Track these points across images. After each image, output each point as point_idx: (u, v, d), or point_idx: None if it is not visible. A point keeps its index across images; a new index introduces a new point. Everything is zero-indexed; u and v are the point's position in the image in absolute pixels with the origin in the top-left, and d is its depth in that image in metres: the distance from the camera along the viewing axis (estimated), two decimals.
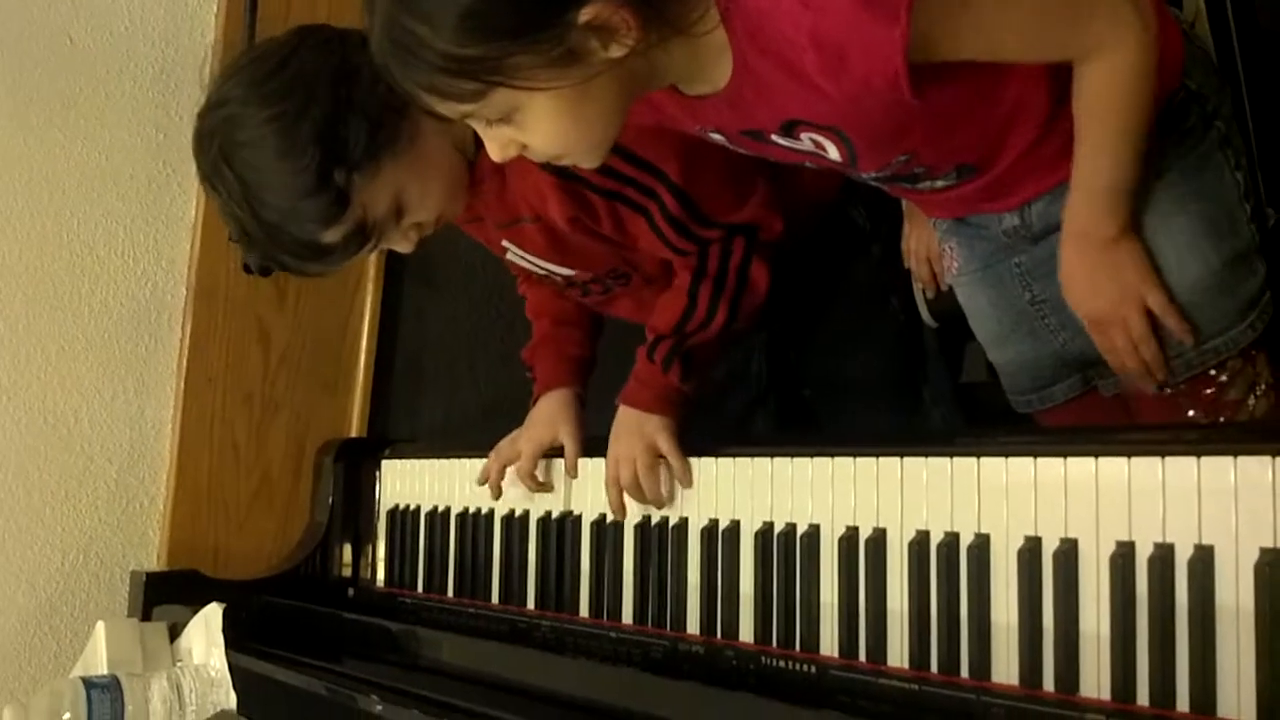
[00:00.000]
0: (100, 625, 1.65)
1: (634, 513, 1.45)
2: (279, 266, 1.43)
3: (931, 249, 1.57)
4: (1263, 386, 1.24)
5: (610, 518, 1.47)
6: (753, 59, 1.08)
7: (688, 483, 1.38)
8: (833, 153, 1.18)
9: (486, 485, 1.61)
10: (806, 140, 1.17)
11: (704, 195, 1.37)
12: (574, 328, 1.65)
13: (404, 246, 1.46)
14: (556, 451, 1.54)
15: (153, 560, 1.99)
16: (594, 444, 1.52)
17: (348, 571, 1.89)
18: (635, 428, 1.41)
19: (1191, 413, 1.23)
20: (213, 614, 1.60)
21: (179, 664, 1.61)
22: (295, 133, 1.30)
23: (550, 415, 1.56)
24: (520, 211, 1.46)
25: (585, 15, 1.00)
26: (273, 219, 1.34)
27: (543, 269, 1.56)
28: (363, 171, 1.33)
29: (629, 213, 1.40)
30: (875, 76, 1.03)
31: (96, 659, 1.63)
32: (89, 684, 1.50)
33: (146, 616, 1.73)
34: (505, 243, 1.55)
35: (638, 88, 1.13)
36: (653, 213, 1.38)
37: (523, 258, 1.55)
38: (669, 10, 1.04)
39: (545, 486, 1.56)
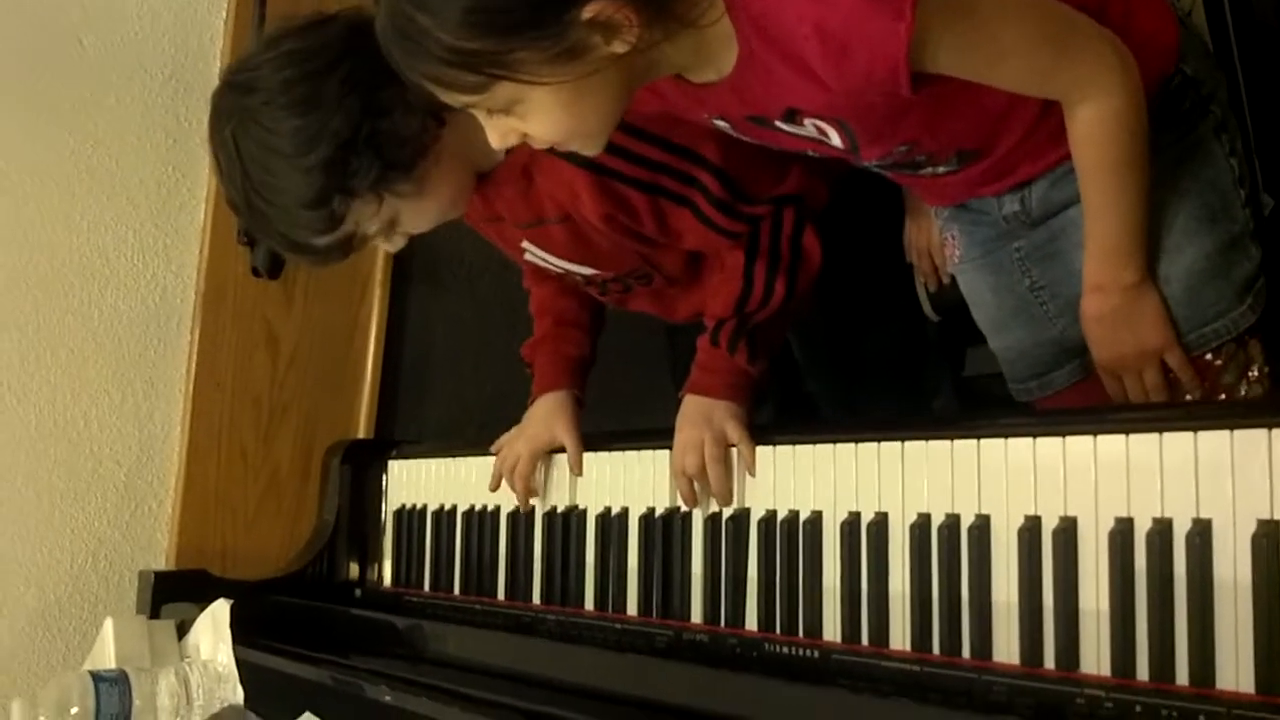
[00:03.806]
0: (109, 622, 1.66)
1: (639, 505, 1.46)
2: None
3: (933, 242, 1.58)
4: (1256, 371, 1.25)
5: (615, 511, 1.48)
6: (757, 49, 1.09)
7: (755, 472, 1.34)
8: (835, 139, 1.19)
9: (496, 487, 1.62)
10: (810, 126, 1.18)
11: (744, 172, 1.36)
12: (575, 328, 1.65)
13: (390, 248, 1.47)
14: (557, 451, 1.56)
15: (160, 562, 2.00)
16: (594, 440, 1.54)
17: (355, 572, 1.90)
18: (703, 415, 1.37)
19: (1189, 397, 1.23)
20: (220, 610, 1.60)
21: (187, 659, 1.61)
22: (308, 149, 1.30)
23: (547, 416, 1.57)
24: (545, 212, 1.46)
25: (588, 12, 1.01)
26: (266, 210, 1.36)
27: (562, 268, 1.56)
28: (363, 199, 1.35)
29: (672, 207, 1.39)
30: (877, 70, 1.04)
31: (105, 655, 1.63)
32: (97, 678, 1.50)
33: (155, 615, 1.73)
34: (525, 243, 1.55)
35: (641, 78, 1.14)
36: (697, 201, 1.37)
37: (542, 258, 1.55)
38: (672, 5, 1.06)
39: (533, 492, 1.58)
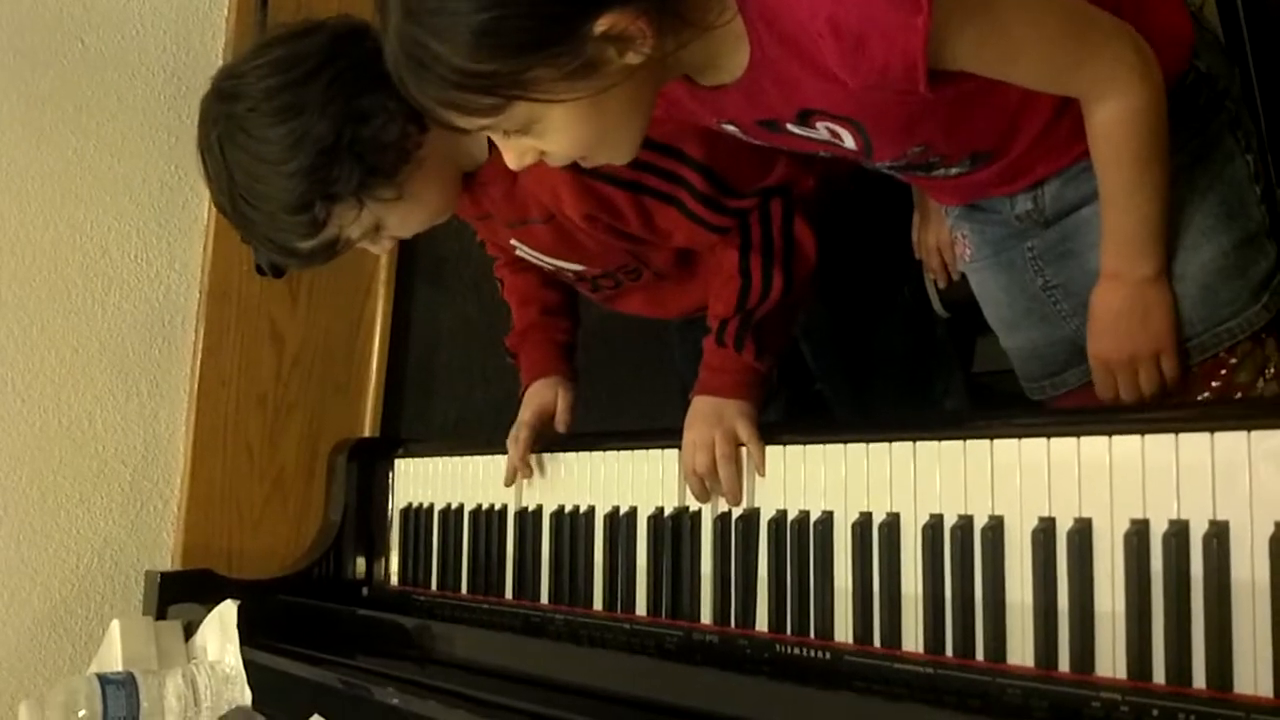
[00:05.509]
0: (115, 623, 1.65)
1: (648, 505, 1.45)
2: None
3: (942, 239, 1.57)
4: (1272, 370, 1.23)
5: (624, 511, 1.47)
6: (770, 47, 1.07)
7: (764, 471, 1.33)
8: (848, 141, 1.18)
9: (510, 477, 1.62)
10: (822, 129, 1.17)
11: (729, 167, 1.35)
12: (562, 316, 1.68)
13: (376, 251, 1.50)
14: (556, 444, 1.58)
15: (166, 562, 1.99)
16: (603, 439, 1.54)
17: (361, 570, 1.90)
18: (713, 415, 1.36)
19: (1203, 396, 1.22)
20: (227, 611, 1.60)
21: (194, 661, 1.61)
22: (291, 156, 1.32)
23: (546, 390, 1.60)
24: (529, 212, 1.46)
25: (601, 26, 1.00)
26: (251, 215, 1.38)
27: (551, 265, 1.56)
28: (344, 204, 1.37)
29: (657, 205, 1.38)
30: (893, 65, 1.02)
31: (112, 657, 1.63)
32: (104, 680, 1.50)
33: (161, 615, 1.73)
34: (514, 241, 1.55)
35: (656, 86, 1.13)
36: (683, 199, 1.37)
37: (530, 254, 1.56)
38: (686, 12, 1.04)
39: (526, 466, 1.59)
